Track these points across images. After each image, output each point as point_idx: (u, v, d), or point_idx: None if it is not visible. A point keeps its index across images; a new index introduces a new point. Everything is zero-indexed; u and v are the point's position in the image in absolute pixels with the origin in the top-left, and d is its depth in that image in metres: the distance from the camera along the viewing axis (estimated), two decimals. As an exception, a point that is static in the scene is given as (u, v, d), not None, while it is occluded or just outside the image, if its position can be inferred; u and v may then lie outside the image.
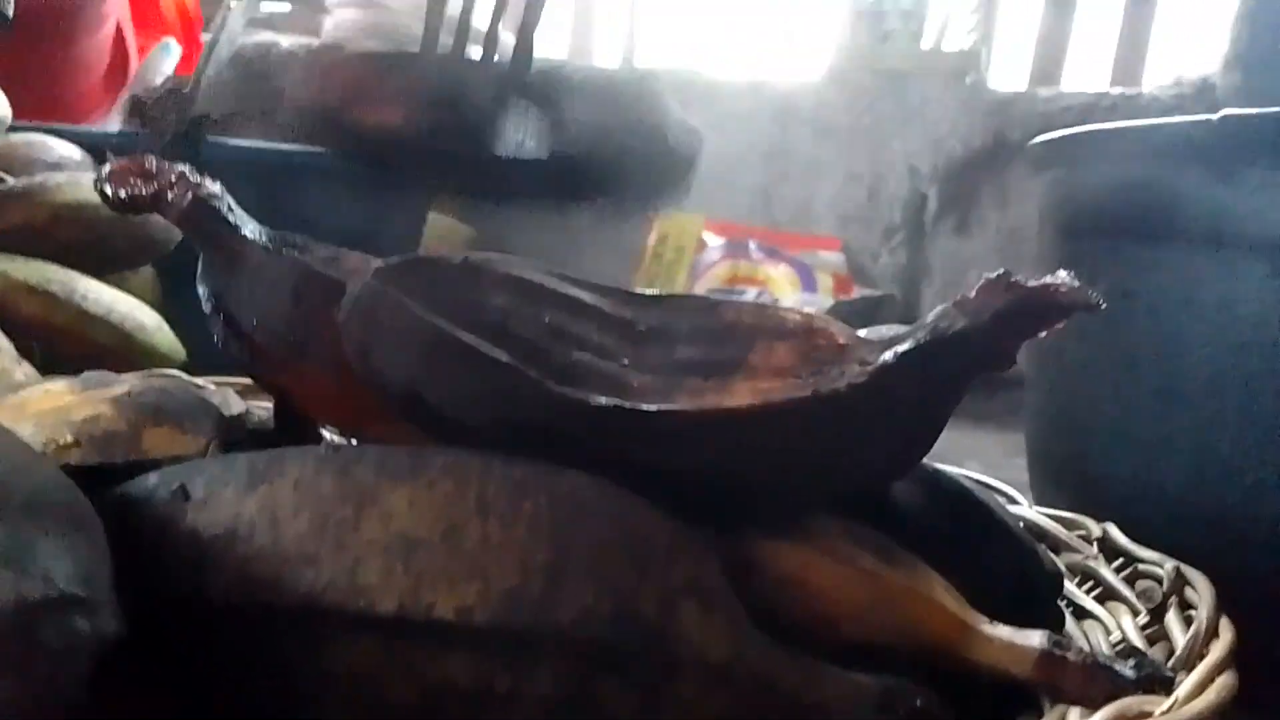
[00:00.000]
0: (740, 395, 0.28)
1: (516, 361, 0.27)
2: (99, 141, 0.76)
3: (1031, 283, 0.27)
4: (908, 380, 0.27)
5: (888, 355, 0.27)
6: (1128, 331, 0.46)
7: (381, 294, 0.28)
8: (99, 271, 0.67)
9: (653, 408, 0.27)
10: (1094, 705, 0.25)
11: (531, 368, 0.27)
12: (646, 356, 0.30)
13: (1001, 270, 0.27)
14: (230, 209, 0.33)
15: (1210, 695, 0.25)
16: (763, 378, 0.29)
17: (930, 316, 0.28)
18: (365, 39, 1.55)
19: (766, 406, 0.27)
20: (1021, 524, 0.37)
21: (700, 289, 1.35)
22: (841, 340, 0.30)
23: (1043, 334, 0.27)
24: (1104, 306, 0.26)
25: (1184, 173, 0.43)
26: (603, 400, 0.27)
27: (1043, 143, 0.52)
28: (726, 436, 0.27)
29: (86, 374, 0.36)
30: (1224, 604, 0.33)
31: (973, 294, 0.27)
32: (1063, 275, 0.27)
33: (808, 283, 1.34)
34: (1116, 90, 1.38)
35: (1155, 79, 1.44)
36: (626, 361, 0.30)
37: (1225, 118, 0.41)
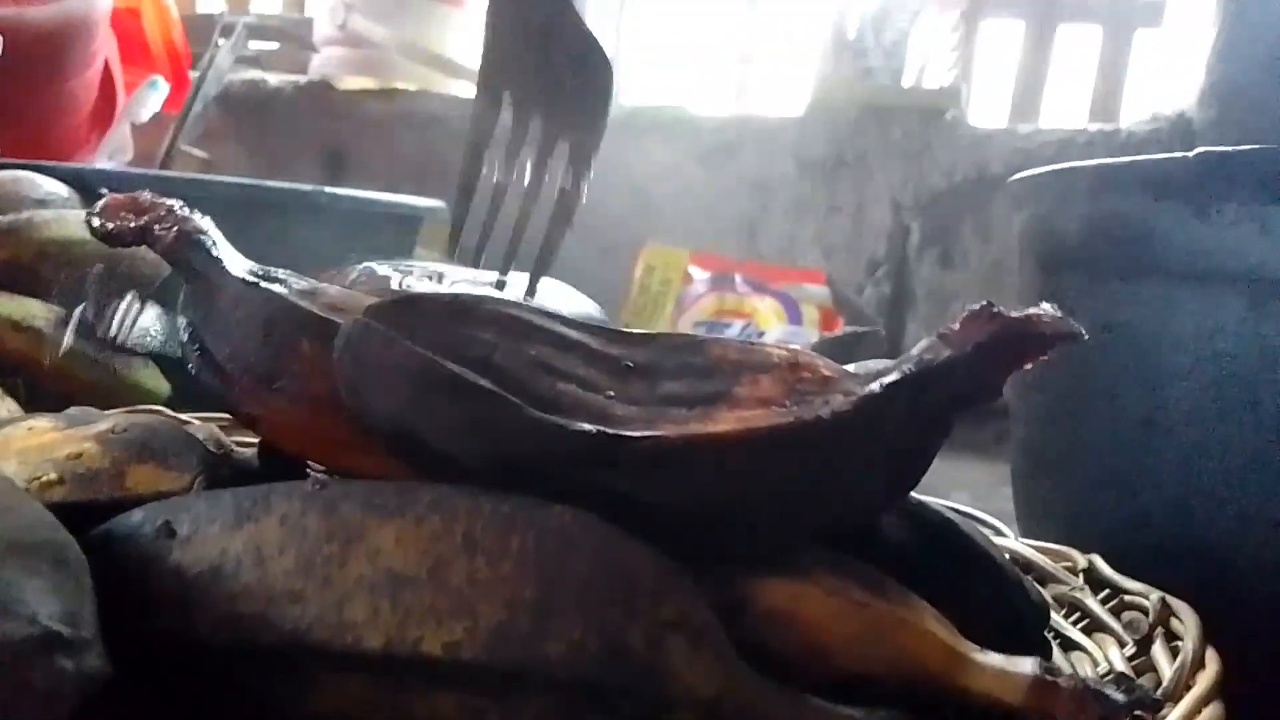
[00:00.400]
0: (724, 423, 0.28)
1: (499, 390, 0.27)
2: (86, 178, 0.77)
3: (1014, 314, 0.27)
4: (892, 411, 0.28)
5: (873, 386, 0.28)
6: (1109, 364, 0.46)
7: (371, 330, 0.28)
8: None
9: (634, 433, 0.27)
10: (1084, 733, 0.25)
11: (515, 396, 0.27)
12: (631, 390, 0.30)
13: (984, 302, 0.28)
14: (214, 244, 0.34)
15: (1197, 725, 0.25)
16: (746, 407, 0.29)
17: (915, 349, 0.29)
18: (352, 75, 1.57)
19: (749, 432, 0.27)
20: (1007, 555, 0.38)
21: (686, 321, 1.36)
22: (826, 373, 0.30)
23: (1027, 366, 0.28)
24: (1086, 338, 0.27)
25: (1162, 208, 0.43)
26: (584, 425, 0.27)
27: (1021, 179, 0.53)
28: (708, 462, 0.27)
29: (70, 411, 0.36)
30: (1209, 635, 0.33)
31: (956, 325, 0.28)
32: (1045, 307, 0.27)
33: (793, 315, 1.35)
34: (1094, 126, 1.41)
35: (1132, 114, 1.46)
36: (612, 394, 0.30)
37: (1201, 154, 0.42)
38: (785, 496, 0.28)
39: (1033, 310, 0.28)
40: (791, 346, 0.31)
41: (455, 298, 0.31)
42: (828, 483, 0.29)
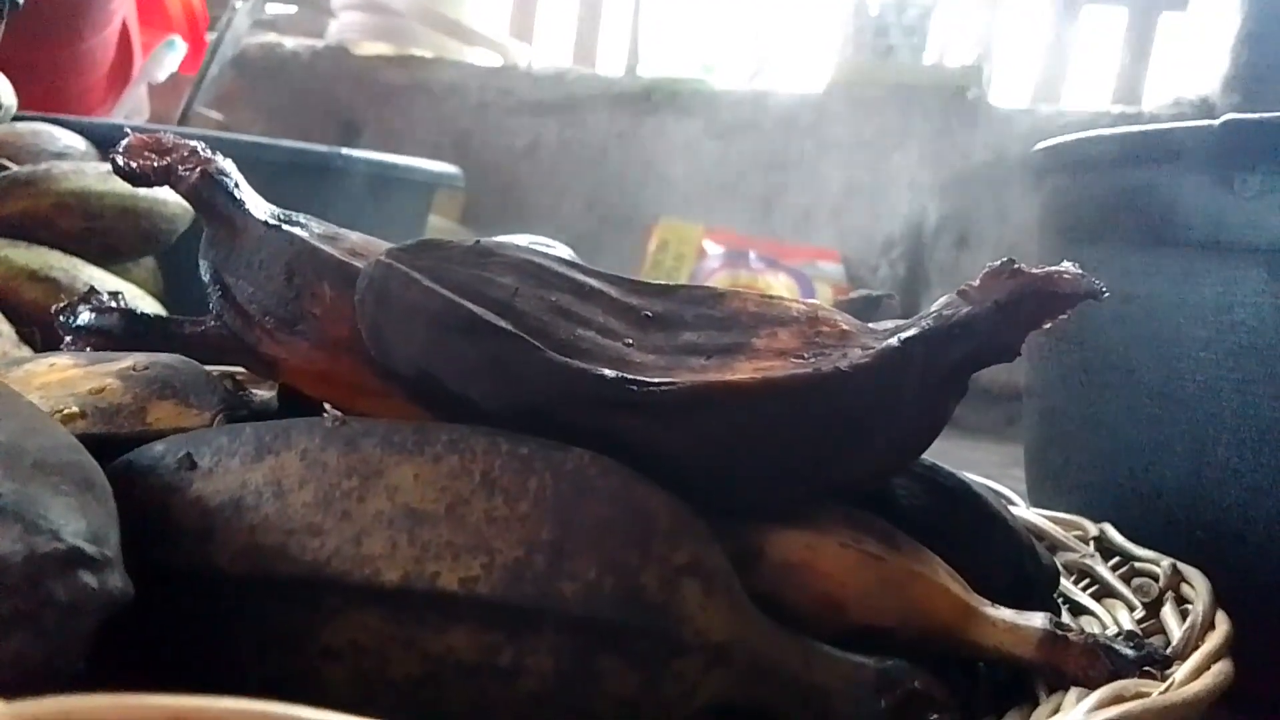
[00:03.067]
0: (741, 372, 0.28)
1: (519, 331, 0.27)
2: (104, 133, 0.77)
3: (1035, 270, 0.27)
4: (910, 366, 0.28)
5: (891, 340, 0.27)
6: (1126, 336, 0.46)
7: (392, 270, 0.28)
8: (101, 261, 0.67)
9: (652, 379, 0.27)
10: (1095, 686, 0.25)
11: (534, 340, 0.27)
12: (650, 339, 0.30)
13: (1006, 259, 0.27)
14: (237, 185, 0.33)
15: (1207, 679, 0.25)
16: (764, 358, 0.29)
17: (935, 305, 0.29)
18: (370, 41, 1.56)
19: (766, 381, 0.27)
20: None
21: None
22: (845, 327, 0.30)
23: (1047, 325, 0.28)
24: (1106, 295, 0.26)
25: (1184, 178, 0.43)
26: (604, 370, 0.27)
27: (1044, 149, 0.52)
28: (726, 411, 0.27)
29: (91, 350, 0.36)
30: (1220, 604, 0.33)
31: (977, 282, 0.28)
32: (1066, 265, 0.27)
33: (806, 292, 1.34)
34: (1117, 108, 1.39)
35: (1155, 98, 1.45)
36: (630, 342, 0.30)
37: (1227, 123, 0.41)
38: (801, 448, 0.28)
39: (1053, 268, 0.28)
40: (811, 301, 0.31)
41: (477, 242, 0.31)
42: (844, 436, 0.29)
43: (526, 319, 0.29)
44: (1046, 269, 0.28)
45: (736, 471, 0.28)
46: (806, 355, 0.29)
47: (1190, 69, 1.39)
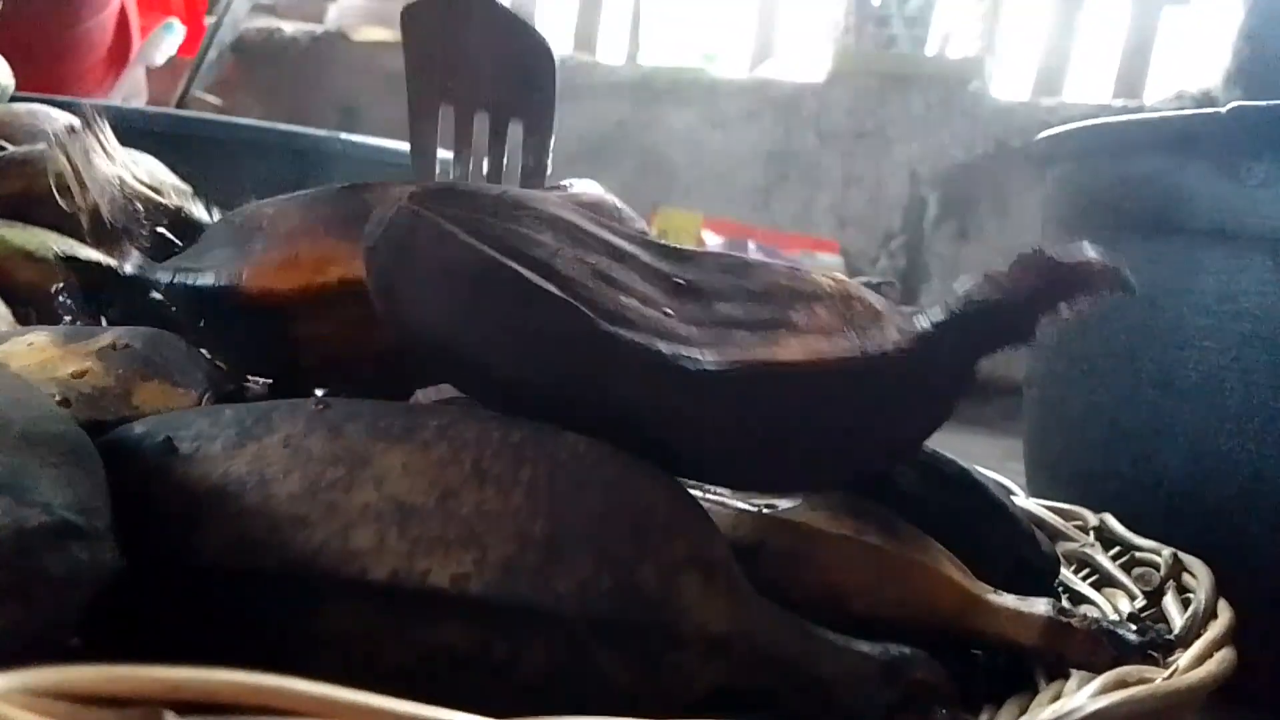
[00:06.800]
0: (791, 350, 0.27)
1: (573, 300, 0.25)
2: (101, 115, 0.76)
3: (1066, 260, 0.26)
4: (943, 349, 0.27)
5: (926, 323, 0.27)
6: (1128, 324, 0.46)
7: (421, 220, 0.25)
8: (98, 242, 0.66)
9: (709, 358, 0.26)
10: (1099, 671, 0.25)
11: (585, 308, 0.25)
12: (687, 309, 0.29)
13: (1035, 247, 0.27)
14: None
15: (1211, 666, 0.25)
16: (809, 335, 0.28)
17: (962, 290, 0.28)
18: (368, 26, 1.56)
19: (821, 362, 0.26)
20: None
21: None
22: (876, 306, 0.29)
23: (1070, 314, 0.27)
24: (1137, 293, 0.26)
25: (1190, 166, 0.43)
26: (660, 346, 0.26)
27: (1049, 137, 0.52)
28: (777, 389, 0.26)
29: (68, 326, 0.35)
30: (1222, 595, 0.33)
31: (1007, 269, 0.27)
32: (1091, 253, 0.27)
33: (805, 283, 1.34)
34: (1118, 102, 1.39)
35: (1157, 92, 1.44)
36: (670, 312, 0.28)
37: (1234, 110, 0.41)
38: (840, 428, 0.27)
39: (1083, 257, 0.27)
40: (837, 276, 0.30)
41: (505, 190, 0.28)
42: (879, 418, 0.28)
43: (573, 285, 0.26)
44: (1077, 259, 0.27)
45: (773, 452, 0.27)
46: (848, 333, 0.28)
47: (1192, 64, 1.39)
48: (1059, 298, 0.26)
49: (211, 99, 1.32)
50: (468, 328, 0.26)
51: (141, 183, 0.36)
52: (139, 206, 0.35)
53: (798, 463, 0.28)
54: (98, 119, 0.36)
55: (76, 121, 0.38)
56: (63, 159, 0.36)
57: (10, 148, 0.67)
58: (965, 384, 0.28)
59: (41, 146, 0.66)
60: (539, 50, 0.46)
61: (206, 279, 0.32)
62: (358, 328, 0.30)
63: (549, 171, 0.45)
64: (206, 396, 0.31)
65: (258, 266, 0.31)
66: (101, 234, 0.35)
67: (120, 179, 0.36)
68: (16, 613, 0.18)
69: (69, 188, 0.37)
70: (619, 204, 0.36)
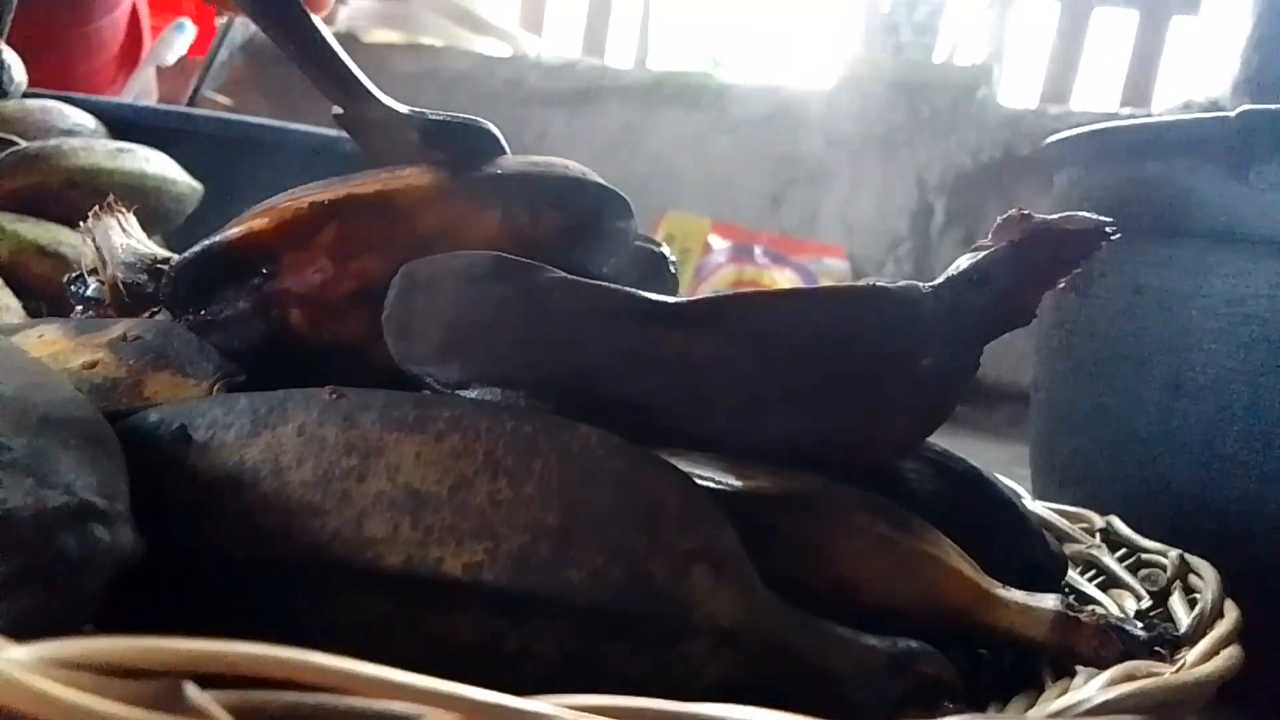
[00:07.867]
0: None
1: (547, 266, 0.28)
2: (112, 111, 0.77)
3: (1044, 217, 0.27)
4: (939, 309, 0.28)
5: (916, 283, 0.28)
6: (1136, 327, 0.46)
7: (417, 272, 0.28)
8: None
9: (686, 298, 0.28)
10: (1107, 666, 0.25)
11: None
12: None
13: (1016, 208, 0.28)
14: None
15: (1218, 662, 0.25)
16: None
17: (953, 264, 0.29)
18: (379, 29, 1.56)
19: (795, 290, 0.29)
20: (1026, 514, 0.37)
21: (704, 291, 1.35)
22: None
23: (1062, 283, 0.28)
24: (1117, 237, 0.27)
25: (1199, 169, 0.43)
26: (636, 291, 0.28)
27: (1059, 140, 0.52)
28: (757, 318, 0.27)
29: (79, 318, 0.36)
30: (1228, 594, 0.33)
31: (989, 232, 0.28)
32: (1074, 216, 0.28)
33: (812, 288, 1.34)
34: (1126, 110, 1.39)
35: (1165, 101, 1.44)
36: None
37: (1244, 114, 0.41)
38: (830, 369, 0.28)
39: (1060, 216, 0.28)
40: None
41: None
42: (872, 364, 0.28)
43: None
44: (1056, 217, 0.28)
45: (772, 388, 0.28)
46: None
47: (1200, 73, 1.39)
48: (1047, 251, 0.27)
49: (222, 99, 1.33)
50: (468, 316, 0.28)
51: (157, 251, 0.38)
52: (153, 274, 0.36)
53: (800, 403, 0.28)
54: (116, 202, 0.38)
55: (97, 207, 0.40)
56: (91, 245, 0.37)
57: (23, 143, 0.68)
58: (966, 371, 0.29)
59: (54, 142, 0.67)
60: None
61: (197, 246, 0.33)
62: (338, 254, 0.31)
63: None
64: (217, 387, 0.31)
65: (240, 223, 0.33)
66: (123, 306, 0.36)
67: (137, 253, 0.37)
68: (37, 593, 0.18)
69: (95, 269, 0.38)
70: (591, 173, 0.36)
